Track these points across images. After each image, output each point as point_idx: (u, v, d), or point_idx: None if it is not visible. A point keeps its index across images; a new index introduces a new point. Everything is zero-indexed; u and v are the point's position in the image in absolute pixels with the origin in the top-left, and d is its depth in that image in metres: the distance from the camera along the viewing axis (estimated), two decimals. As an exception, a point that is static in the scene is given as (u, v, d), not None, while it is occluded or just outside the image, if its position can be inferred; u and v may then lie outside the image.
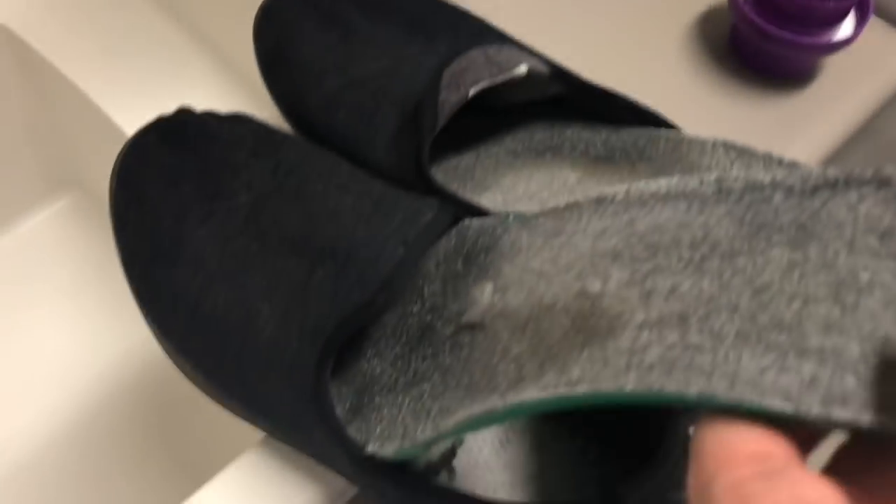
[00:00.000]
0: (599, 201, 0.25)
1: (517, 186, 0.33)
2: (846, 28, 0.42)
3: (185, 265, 0.30)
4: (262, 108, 0.42)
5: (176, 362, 0.32)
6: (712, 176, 0.23)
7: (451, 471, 0.31)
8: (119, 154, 0.34)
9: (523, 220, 0.27)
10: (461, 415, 0.25)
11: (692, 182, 0.23)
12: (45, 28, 0.52)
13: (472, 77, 0.31)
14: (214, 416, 0.38)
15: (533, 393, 0.23)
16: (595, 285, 0.24)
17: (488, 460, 0.32)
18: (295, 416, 0.28)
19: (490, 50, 0.32)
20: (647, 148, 0.32)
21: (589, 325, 0.23)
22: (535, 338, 0.25)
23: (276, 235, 0.29)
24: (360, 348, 0.29)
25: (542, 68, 0.33)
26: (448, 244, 0.29)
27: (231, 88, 0.48)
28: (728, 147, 0.30)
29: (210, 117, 0.34)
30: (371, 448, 0.27)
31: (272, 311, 0.28)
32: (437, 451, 0.31)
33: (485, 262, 0.28)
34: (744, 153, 0.29)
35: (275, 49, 0.37)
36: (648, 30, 0.46)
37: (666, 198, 0.24)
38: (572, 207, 0.26)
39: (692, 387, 0.20)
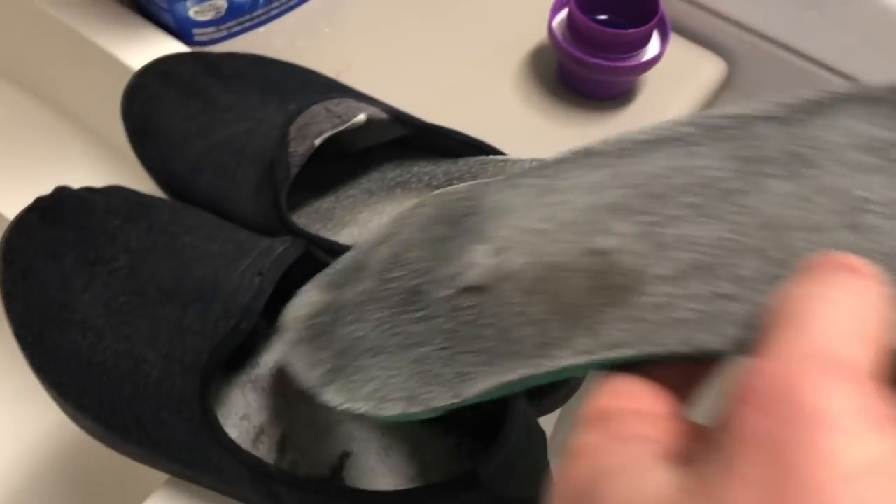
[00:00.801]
0: (587, 154, 0.25)
1: (372, 220, 0.37)
2: (653, 48, 0.48)
3: (74, 328, 0.33)
4: (137, 179, 0.45)
5: (75, 420, 0.35)
6: (691, 116, 0.23)
7: (341, 481, 0.34)
8: (2, 236, 0.36)
9: (503, 180, 0.27)
10: (488, 382, 0.24)
11: (670, 125, 0.23)
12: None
13: (315, 129, 0.35)
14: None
15: (571, 359, 0.23)
16: (605, 241, 0.23)
17: (374, 467, 0.35)
18: (191, 447, 0.31)
19: (330, 104, 0.37)
20: (479, 173, 0.36)
21: (607, 283, 0.23)
22: (551, 300, 0.24)
23: (153, 288, 0.33)
24: (340, 315, 0.30)
25: (382, 115, 0.38)
26: (423, 214, 0.30)
27: (107, 165, 0.51)
28: (542, 163, 0.35)
29: (86, 192, 0.37)
30: (363, 407, 0.27)
31: (156, 355, 0.31)
32: (326, 464, 0.34)
33: (471, 225, 0.27)
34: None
35: (141, 124, 0.41)
36: (485, 72, 0.51)
37: (650, 144, 0.24)
38: (559, 163, 0.26)
39: (728, 340, 0.20)
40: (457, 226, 0.27)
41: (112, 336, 0.32)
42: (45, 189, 0.38)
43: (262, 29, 0.51)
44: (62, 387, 0.33)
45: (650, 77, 0.51)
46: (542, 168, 0.26)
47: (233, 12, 0.48)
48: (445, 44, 0.52)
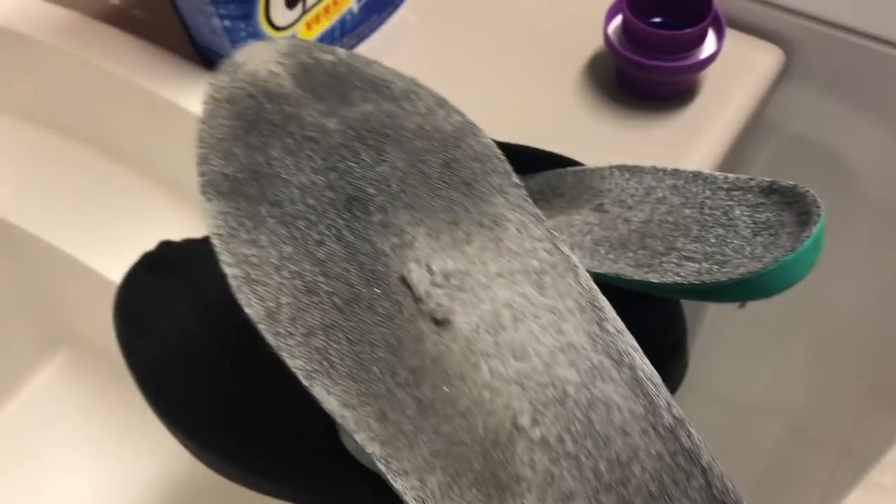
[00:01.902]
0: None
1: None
2: (709, 45, 0.49)
3: (196, 373, 0.35)
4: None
5: (204, 461, 0.36)
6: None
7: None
8: (116, 293, 0.38)
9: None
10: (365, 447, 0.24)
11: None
12: (17, 203, 0.57)
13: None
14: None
15: None
16: (525, 420, 0.23)
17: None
18: (318, 475, 0.33)
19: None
20: (558, 185, 0.38)
21: (494, 461, 0.23)
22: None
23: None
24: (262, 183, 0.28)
25: (458, 139, 0.39)
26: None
27: (197, 215, 0.53)
28: (622, 169, 0.36)
29: (189, 242, 0.39)
30: (245, 298, 0.26)
31: (281, 389, 0.33)
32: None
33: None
34: (634, 171, 0.35)
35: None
36: (545, 84, 0.52)
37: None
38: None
39: None
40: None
41: (234, 376, 0.34)
42: (143, 246, 0.40)
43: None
44: (190, 430, 0.35)
45: (708, 73, 0.51)
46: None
47: (298, 57, 0.50)
48: (504, 61, 0.53)
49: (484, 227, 0.26)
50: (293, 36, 0.26)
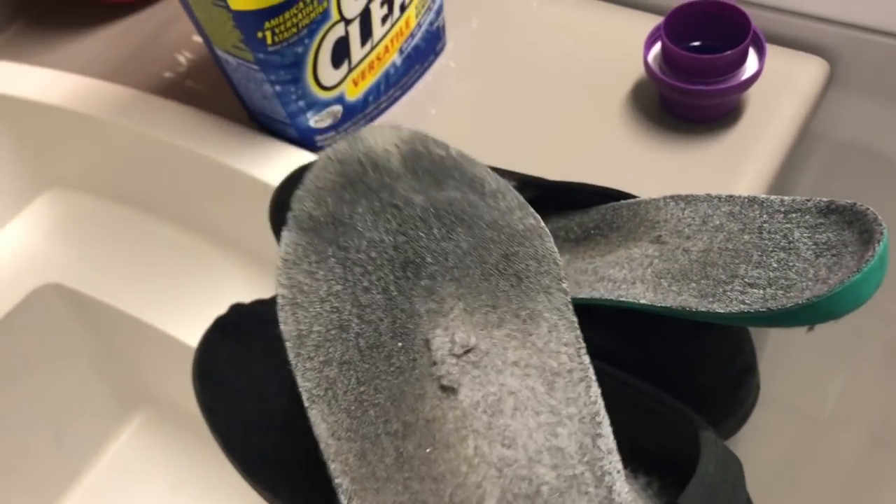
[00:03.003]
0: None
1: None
2: (751, 64, 0.49)
3: (278, 430, 0.36)
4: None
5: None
6: None
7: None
8: (193, 358, 0.40)
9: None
10: None
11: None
12: (90, 275, 0.60)
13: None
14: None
15: None
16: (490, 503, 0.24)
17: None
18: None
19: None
20: (614, 219, 0.38)
21: None
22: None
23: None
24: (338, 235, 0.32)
25: (511, 183, 0.40)
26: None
27: (262, 277, 0.55)
28: (676, 199, 0.36)
29: (258, 304, 0.40)
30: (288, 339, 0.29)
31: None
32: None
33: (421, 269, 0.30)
34: (689, 200, 0.35)
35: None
36: (590, 117, 0.53)
37: None
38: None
39: None
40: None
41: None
42: (214, 310, 0.42)
43: (374, 123, 0.54)
44: (275, 486, 0.36)
45: (754, 91, 0.51)
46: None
47: (347, 115, 0.52)
48: (547, 98, 0.54)
49: (518, 319, 0.28)
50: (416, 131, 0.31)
